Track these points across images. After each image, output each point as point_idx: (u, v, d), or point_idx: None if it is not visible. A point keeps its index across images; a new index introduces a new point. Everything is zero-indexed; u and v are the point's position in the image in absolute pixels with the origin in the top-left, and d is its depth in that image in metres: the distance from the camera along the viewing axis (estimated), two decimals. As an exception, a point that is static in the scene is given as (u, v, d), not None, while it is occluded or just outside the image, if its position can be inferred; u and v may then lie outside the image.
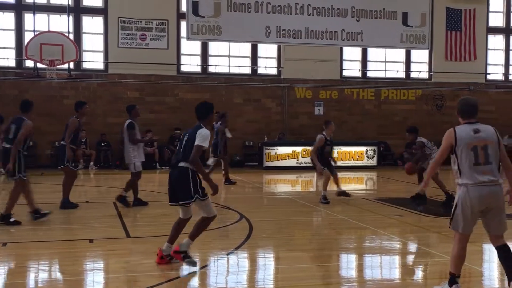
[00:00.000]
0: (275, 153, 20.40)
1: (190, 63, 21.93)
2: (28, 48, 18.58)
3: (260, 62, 22.55)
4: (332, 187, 12.54)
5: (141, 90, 21.11)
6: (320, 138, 12.07)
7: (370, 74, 23.55)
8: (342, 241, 8.77)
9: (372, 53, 23.48)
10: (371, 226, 9.44)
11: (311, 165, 20.42)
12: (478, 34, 23.64)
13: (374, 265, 7.36)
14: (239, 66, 22.14)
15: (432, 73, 23.74)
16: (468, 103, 5.72)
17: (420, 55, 23.80)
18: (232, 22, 19.83)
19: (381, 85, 23.34)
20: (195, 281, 6.49)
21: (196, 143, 6.39)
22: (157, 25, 20.97)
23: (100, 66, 21.20)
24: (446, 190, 11.96)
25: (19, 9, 20.52)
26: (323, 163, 12.01)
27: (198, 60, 21.98)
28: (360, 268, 7.27)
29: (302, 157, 20.47)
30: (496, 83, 24.55)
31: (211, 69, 22.03)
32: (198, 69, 21.95)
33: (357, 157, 21.24)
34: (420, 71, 23.82)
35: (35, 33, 19.37)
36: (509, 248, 5.61)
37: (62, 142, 10.99)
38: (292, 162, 20.28)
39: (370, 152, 21.34)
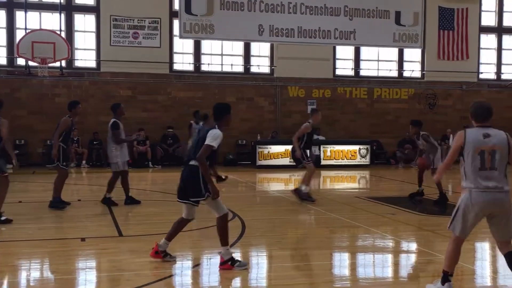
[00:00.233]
0: (268, 152, 20.40)
1: (183, 62, 21.88)
2: (19, 46, 18.48)
3: (253, 60, 22.53)
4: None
5: (133, 89, 21.04)
6: (306, 125, 11.52)
7: (363, 73, 23.58)
8: (335, 239, 8.77)
9: (365, 52, 23.52)
10: (364, 225, 9.44)
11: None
12: (470, 33, 23.72)
13: (367, 263, 7.36)
14: (232, 65, 22.11)
15: (424, 72, 23.79)
16: (482, 107, 5.60)
17: (413, 54, 23.85)
18: (225, 21, 19.79)
19: (374, 84, 23.37)
20: (187, 280, 6.47)
21: (205, 142, 6.41)
22: (149, 23, 20.90)
23: (92, 64, 21.12)
24: (442, 189, 11.96)
25: (11, 7, 20.40)
26: (307, 156, 11.59)
27: (190, 58, 21.93)
28: (353, 266, 7.27)
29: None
30: (488, 82, 24.63)
31: (204, 68, 21.98)
32: (190, 67, 21.90)
33: (350, 155, 21.26)
34: (412, 70, 23.87)
35: (27, 31, 19.30)
36: None
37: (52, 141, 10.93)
38: (285, 161, 20.26)
39: (363, 151, 21.37)
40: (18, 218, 9.65)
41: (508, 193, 5.47)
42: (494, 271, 6.95)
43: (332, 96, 22.85)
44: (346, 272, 6.99)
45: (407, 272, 7.01)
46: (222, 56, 22.22)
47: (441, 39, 23.51)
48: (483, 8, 24.41)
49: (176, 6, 20.41)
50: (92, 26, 21.05)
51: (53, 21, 20.48)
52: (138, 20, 20.79)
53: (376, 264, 7.27)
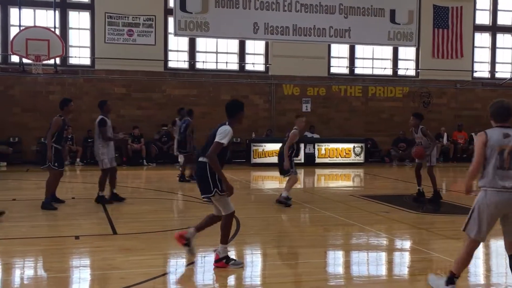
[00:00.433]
0: (263, 150, 20.39)
1: (178, 59, 21.86)
2: (13, 43, 18.41)
3: (248, 58, 22.52)
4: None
5: (128, 86, 21.00)
6: (294, 133, 11.21)
7: (357, 71, 23.61)
8: (329, 237, 8.78)
9: (360, 50, 23.54)
10: (358, 223, 9.46)
11: (299, 161, 20.51)
12: (465, 31, 23.77)
13: (361, 261, 7.37)
14: (226, 63, 22.10)
15: (419, 70, 23.83)
16: (503, 106, 5.49)
17: (407, 53, 23.90)
18: (220, 18, 19.78)
19: (369, 82, 23.40)
20: (181, 278, 6.46)
21: (216, 139, 6.40)
22: (144, 20, 20.86)
23: (87, 61, 21.07)
24: (437, 188, 11.98)
25: (5, 4, 20.31)
26: (292, 166, 11.30)
27: (185, 56, 21.90)
28: (347, 264, 7.28)
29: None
30: (483, 80, 24.69)
31: (198, 66, 21.95)
32: (185, 65, 21.87)
33: (345, 154, 21.29)
34: (407, 68, 23.91)
35: (21, 28, 19.22)
36: None
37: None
38: (279, 159, 20.23)
39: (357, 149, 21.40)
40: (11, 216, 9.63)
41: None
42: (488, 269, 6.97)
43: (327, 94, 22.87)
44: (340, 270, 7.00)
45: (401, 270, 7.02)
46: (217, 54, 22.21)
47: (436, 38, 23.56)
48: (477, 6, 24.47)
49: (171, 3, 20.37)
50: (87, 24, 20.99)
51: (47, 18, 20.43)
52: (133, 17, 20.74)
53: (370, 262, 7.28)
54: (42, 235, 8.53)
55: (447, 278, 5.58)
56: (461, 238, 8.53)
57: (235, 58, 22.36)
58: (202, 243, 7.89)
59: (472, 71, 24.47)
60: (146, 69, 20.93)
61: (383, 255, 7.71)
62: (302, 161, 20.70)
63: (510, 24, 25.11)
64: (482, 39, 24.89)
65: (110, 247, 7.61)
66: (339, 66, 23.44)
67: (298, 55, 21.92)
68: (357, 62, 23.63)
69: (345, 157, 21.27)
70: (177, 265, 7.03)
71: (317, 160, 20.87)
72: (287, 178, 11.35)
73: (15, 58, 19.87)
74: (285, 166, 11.05)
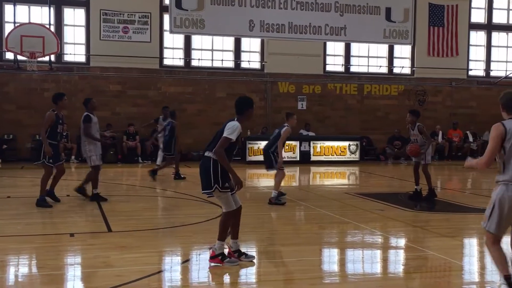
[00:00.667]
0: (258, 148, 20.35)
1: (173, 57, 21.82)
2: (8, 40, 18.36)
3: (244, 56, 22.51)
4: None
5: (123, 84, 20.97)
6: (287, 129, 11.13)
7: (353, 69, 23.63)
8: (324, 235, 8.78)
9: (355, 48, 23.55)
10: (353, 221, 9.47)
11: (294, 159, 20.59)
12: (460, 30, 23.83)
13: (356, 259, 7.38)
14: (222, 60, 22.08)
15: (414, 68, 23.87)
16: None
17: (403, 51, 23.93)
18: (215, 16, 19.76)
19: (364, 80, 23.42)
20: (176, 275, 6.46)
21: (224, 134, 6.41)
22: (139, 18, 20.82)
23: (82, 58, 21.02)
24: (432, 186, 11.99)
25: (0, 0, 20.23)
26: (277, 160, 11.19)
27: (181, 53, 21.87)
28: (342, 262, 7.28)
29: (284, 151, 20.39)
30: (478, 79, 24.75)
31: (194, 63, 21.93)
32: (181, 62, 21.85)
33: (340, 151, 21.32)
34: (402, 66, 23.94)
35: (16, 25, 19.16)
36: None
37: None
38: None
39: (353, 147, 21.43)
40: (6, 214, 9.61)
41: None
42: (482, 267, 6.99)
43: (323, 92, 22.88)
44: (335, 268, 7.00)
45: (396, 268, 7.04)
46: (213, 51, 22.19)
47: (431, 36, 23.60)
48: (472, 5, 24.52)
49: (167, 0, 20.37)
50: (82, 20, 20.93)
51: (42, 15, 20.36)
52: (128, 14, 20.70)
53: (365, 260, 7.29)
54: (37, 232, 8.50)
55: (508, 284, 5.33)
56: (455, 236, 8.57)
57: (230, 56, 22.35)
58: (197, 241, 7.90)
59: (467, 70, 24.53)
60: (142, 66, 20.89)
61: (378, 253, 7.73)
62: (298, 159, 20.75)
63: (505, 22, 25.17)
64: (477, 38, 24.95)
65: (105, 244, 7.60)
66: (334, 64, 23.44)
67: (293, 53, 21.93)
68: (353, 60, 23.65)
69: (340, 155, 21.30)
70: (172, 263, 7.03)
71: (313, 158, 20.89)
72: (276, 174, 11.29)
73: (9, 55, 19.82)
74: (279, 163, 11.06)
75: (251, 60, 22.48)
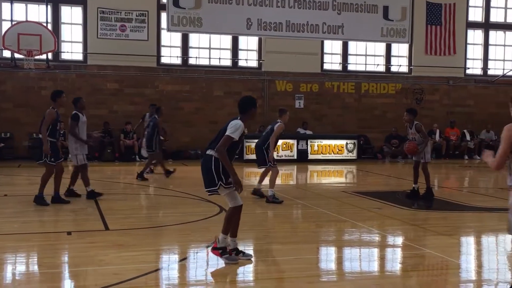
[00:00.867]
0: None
1: (171, 55, 21.78)
2: (5, 38, 18.30)
3: (241, 54, 22.49)
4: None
5: (120, 82, 20.94)
6: (280, 125, 11.13)
7: (350, 67, 23.62)
8: (322, 233, 8.79)
9: (353, 46, 23.56)
10: (350, 219, 9.48)
11: (291, 158, 20.59)
12: (457, 28, 23.84)
13: (353, 257, 7.39)
14: (219, 58, 22.06)
15: (412, 67, 23.88)
16: None
17: (400, 49, 23.94)
18: (213, 14, 19.74)
19: (362, 78, 23.43)
20: (174, 273, 6.46)
21: (226, 133, 6.40)
22: (137, 16, 20.78)
23: (79, 57, 20.98)
24: (430, 185, 11.99)
25: (-4, -2, 20.21)
26: (274, 159, 11.27)
27: (178, 52, 21.85)
28: (340, 260, 7.29)
29: (282, 150, 20.50)
30: (475, 77, 24.77)
31: (191, 61, 21.91)
32: (178, 61, 21.82)
33: (337, 150, 21.32)
34: (400, 65, 23.95)
35: (13, 23, 19.11)
36: None
37: (40, 135, 10.53)
38: (272, 155, 20.25)
39: (350, 146, 21.44)
40: (3, 212, 9.59)
41: None
42: (479, 265, 7.00)
43: (320, 90, 22.88)
44: (332, 266, 7.01)
45: (393, 266, 7.05)
46: (210, 49, 22.16)
47: (429, 34, 23.61)
48: (470, 3, 24.53)
49: (164, -1, 20.33)
50: (79, 19, 20.89)
51: (39, 13, 20.31)
52: (126, 12, 20.67)
53: (362, 258, 7.30)
54: (34, 230, 8.50)
55: None
56: (453, 234, 8.58)
57: (228, 54, 22.33)
58: (194, 239, 7.90)
59: (465, 68, 24.55)
60: (139, 64, 20.87)
61: (375, 251, 7.73)
62: (295, 157, 20.75)
63: (503, 21, 25.19)
64: (475, 36, 24.96)
65: (102, 243, 7.59)
66: (332, 62, 23.43)
67: (291, 51, 21.91)
68: (350, 59, 23.64)
69: (337, 154, 21.30)
70: (169, 261, 7.03)
71: (310, 157, 20.89)
72: (275, 173, 11.29)
73: (6, 53, 19.75)
74: (270, 157, 11.07)
75: (249, 58, 22.46)
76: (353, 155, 21.44)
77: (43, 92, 19.58)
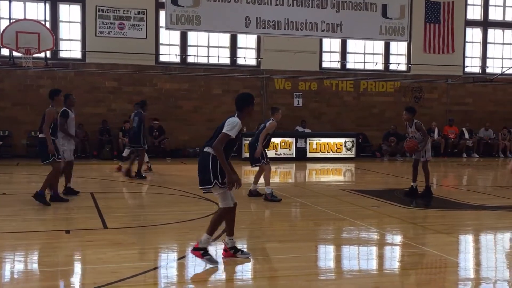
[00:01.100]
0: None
1: (169, 53, 21.77)
2: (3, 36, 18.28)
3: (240, 52, 22.47)
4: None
5: (119, 80, 20.93)
6: (272, 122, 11.26)
7: (349, 65, 23.62)
8: (320, 232, 8.79)
9: (351, 44, 23.56)
10: (348, 217, 9.48)
11: (290, 156, 20.59)
12: (456, 27, 23.84)
13: (352, 255, 7.39)
14: (218, 57, 22.05)
15: (410, 65, 23.89)
16: None
17: (399, 47, 23.94)
18: (211, 12, 19.73)
19: (360, 77, 23.43)
20: (172, 272, 6.46)
21: (223, 130, 6.36)
22: (135, 14, 20.77)
23: (77, 55, 20.96)
24: (429, 183, 11.99)
25: (-5, -4, 20.17)
26: (265, 155, 11.33)
27: (177, 50, 21.83)
28: (338, 259, 7.29)
29: (281, 148, 20.52)
30: (474, 75, 24.78)
31: (190, 59, 21.89)
32: (177, 59, 21.80)
33: (336, 148, 21.32)
34: (398, 63, 23.95)
35: (11, 21, 19.09)
36: None
37: (41, 135, 10.39)
38: (270, 153, 20.10)
39: (349, 144, 21.44)
40: (2, 210, 9.58)
41: None
42: (477, 264, 7.01)
43: (319, 88, 22.88)
44: (331, 264, 7.01)
45: (392, 265, 7.05)
46: (209, 48, 22.15)
47: (427, 33, 23.61)
48: (469, 1, 24.54)
49: (163, -3, 20.30)
50: (78, 17, 20.86)
51: (37, 11, 20.29)
52: (124, 11, 20.65)
53: (361, 257, 7.30)
54: (33, 229, 8.49)
55: None
56: (451, 232, 8.59)
57: (226, 52, 22.32)
58: (192, 238, 7.88)
59: (464, 66, 24.56)
60: (137, 62, 20.85)
61: (374, 249, 7.73)
62: (294, 155, 20.75)
63: (501, 19, 25.20)
64: (474, 34, 24.97)
65: (101, 241, 7.59)
66: (330, 60, 23.44)
67: (289, 50, 21.91)
68: (349, 57, 23.65)
69: (336, 152, 21.31)
70: (168, 259, 7.03)
71: (309, 155, 20.89)
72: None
73: (5, 51, 19.74)
74: (257, 153, 11.07)
75: (247, 56, 22.45)
76: (352, 153, 21.44)
77: (41, 90, 19.57)
